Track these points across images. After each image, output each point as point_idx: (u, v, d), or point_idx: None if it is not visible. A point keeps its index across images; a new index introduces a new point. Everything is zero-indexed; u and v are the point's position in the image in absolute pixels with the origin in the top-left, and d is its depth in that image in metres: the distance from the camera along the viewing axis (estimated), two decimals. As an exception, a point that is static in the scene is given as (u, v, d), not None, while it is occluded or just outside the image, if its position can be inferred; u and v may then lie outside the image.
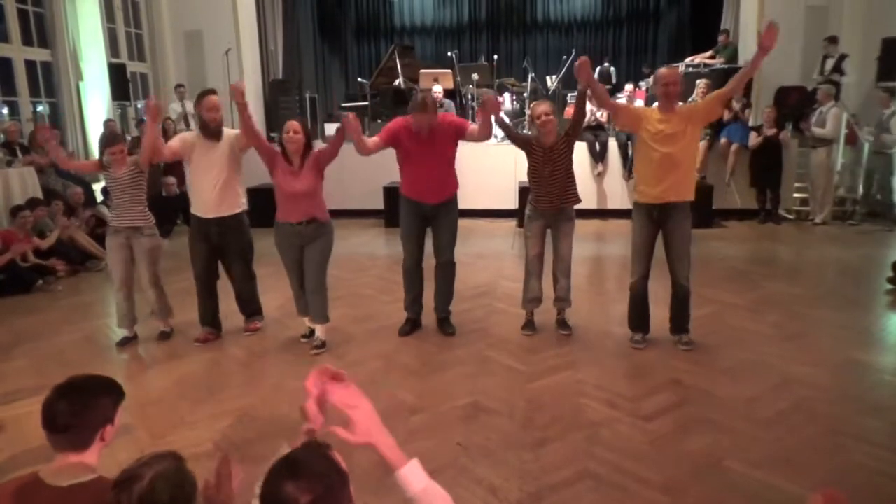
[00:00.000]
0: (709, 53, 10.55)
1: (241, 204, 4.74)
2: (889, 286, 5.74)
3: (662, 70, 4.28)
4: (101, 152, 4.70)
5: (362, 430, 1.43)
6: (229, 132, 4.58)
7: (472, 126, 4.57)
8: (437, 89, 9.27)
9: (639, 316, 4.56)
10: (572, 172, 4.61)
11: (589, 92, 4.42)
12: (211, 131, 4.49)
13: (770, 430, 3.35)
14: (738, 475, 2.95)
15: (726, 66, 9.90)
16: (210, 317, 4.85)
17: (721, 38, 10.49)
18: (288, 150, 4.30)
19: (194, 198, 4.67)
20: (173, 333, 4.89)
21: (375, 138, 4.46)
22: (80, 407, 1.73)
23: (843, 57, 9.25)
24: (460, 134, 4.50)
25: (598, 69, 12.68)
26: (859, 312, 5.22)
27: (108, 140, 4.72)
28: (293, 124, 4.30)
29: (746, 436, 3.30)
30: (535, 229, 4.73)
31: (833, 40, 9.42)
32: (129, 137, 9.40)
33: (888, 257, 6.41)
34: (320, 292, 4.52)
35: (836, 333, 4.74)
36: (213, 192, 4.54)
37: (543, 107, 4.51)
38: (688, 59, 10.89)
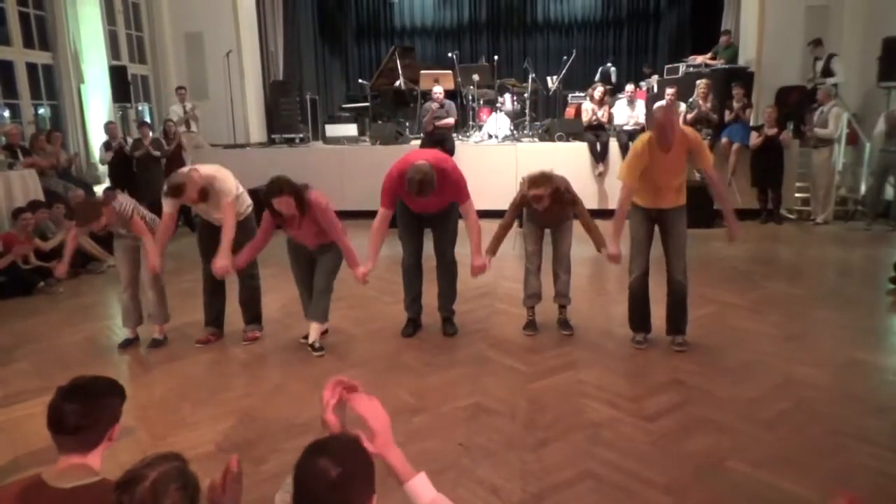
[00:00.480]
0: (709, 55, 10.54)
1: (244, 209, 4.72)
2: (891, 286, 5.73)
3: (658, 114, 4.16)
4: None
5: (381, 441, 1.56)
6: (218, 201, 4.44)
7: (469, 208, 4.51)
8: (438, 90, 9.27)
9: (639, 315, 4.55)
10: (566, 213, 4.67)
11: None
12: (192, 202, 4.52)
13: (772, 430, 3.35)
14: (740, 475, 2.95)
15: (727, 67, 9.91)
16: (213, 316, 4.85)
17: (723, 39, 10.49)
18: (283, 216, 4.23)
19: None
20: (166, 342, 4.81)
21: (384, 211, 4.47)
22: (89, 408, 1.74)
23: (830, 57, 9.28)
24: (456, 201, 4.55)
25: (599, 69, 12.70)
26: (861, 313, 5.21)
27: (79, 220, 4.50)
28: (280, 201, 4.10)
29: (748, 436, 3.30)
30: (534, 226, 4.76)
31: (818, 42, 9.46)
32: (129, 139, 9.44)
33: (890, 257, 6.40)
34: (326, 294, 4.54)
35: (837, 334, 4.73)
36: (216, 224, 4.58)
37: (537, 191, 4.40)
38: (689, 59, 10.87)
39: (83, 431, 1.72)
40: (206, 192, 4.44)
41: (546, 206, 4.49)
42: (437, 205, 4.55)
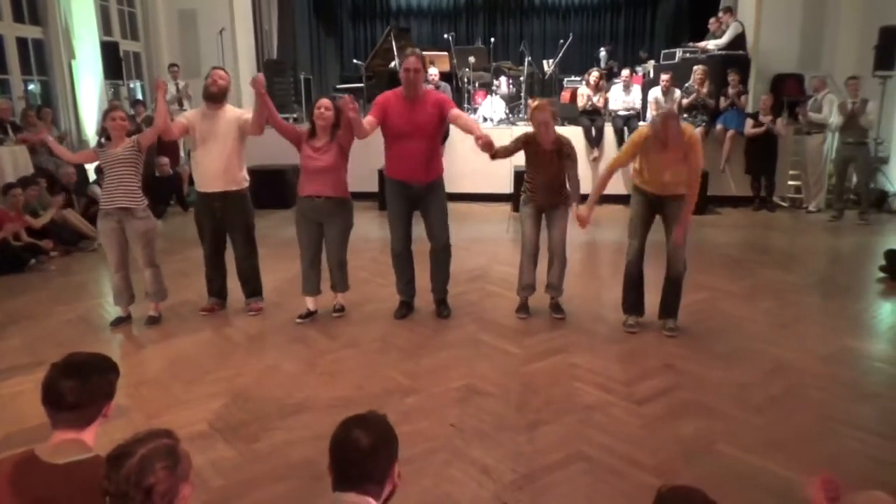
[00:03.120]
0: (706, 42, 10.35)
1: (243, 179, 4.80)
2: (881, 274, 5.77)
3: (658, 120, 4.09)
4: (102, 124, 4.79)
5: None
6: (236, 110, 4.70)
7: (457, 112, 4.58)
8: (433, 72, 9.21)
9: (633, 297, 4.56)
10: (564, 178, 4.58)
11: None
12: (211, 95, 4.61)
13: (762, 415, 3.38)
14: (730, 459, 2.98)
15: (723, 53, 9.81)
16: (216, 289, 4.97)
17: (727, 17, 10.29)
18: (317, 125, 4.48)
19: (197, 173, 4.75)
20: (161, 319, 4.81)
21: (369, 117, 4.48)
22: (87, 384, 1.73)
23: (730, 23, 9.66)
24: (444, 111, 4.50)
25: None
26: (852, 300, 5.26)
27: (108, 108, 4.82)
28: (325, 101, 4.52)
29: (739, 421, 3.32)
30: (530, 212, 4.73)
31: (728, 11, 9.76)
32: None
33: (880, 245, 6.44)
34: (342, 267, 4.74)
35: (828, 320, 4.77)
36: (216, 162, 4.62)
37: (543, 115, 4.38)
38: (701, 44, 10.66)
39: (81, 408, 1.72)
40: (223, 94, 4.66)
41: (549, 141, 4.41)
42: (425, 148, 4.51)
